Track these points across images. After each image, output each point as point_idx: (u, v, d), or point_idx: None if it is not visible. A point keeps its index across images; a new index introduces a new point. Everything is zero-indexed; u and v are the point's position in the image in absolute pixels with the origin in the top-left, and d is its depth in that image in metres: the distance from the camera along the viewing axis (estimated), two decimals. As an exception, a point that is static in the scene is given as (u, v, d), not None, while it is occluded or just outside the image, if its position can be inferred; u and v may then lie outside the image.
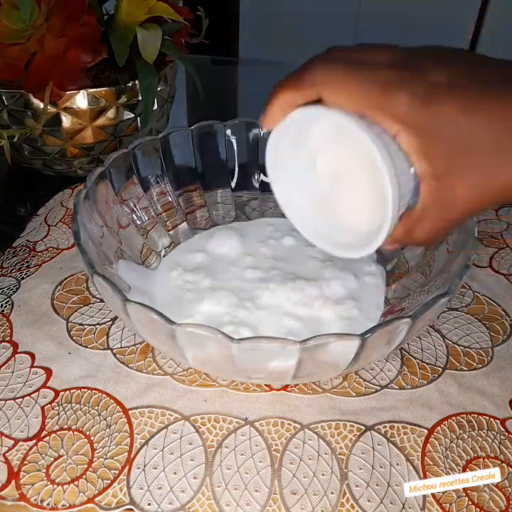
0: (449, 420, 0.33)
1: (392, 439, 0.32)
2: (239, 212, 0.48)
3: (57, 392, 0.34)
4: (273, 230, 0.46)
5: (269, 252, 0.44)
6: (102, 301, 0.40)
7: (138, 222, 0.43)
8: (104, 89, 0.49)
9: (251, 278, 0.41)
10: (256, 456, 0.31)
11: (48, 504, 0.29)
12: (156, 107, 0.54)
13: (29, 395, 0.34)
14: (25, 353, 0.36)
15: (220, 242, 0.44)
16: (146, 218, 0.43)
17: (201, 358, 0.31)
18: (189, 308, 0.38)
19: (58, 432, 0.32)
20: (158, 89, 0.53)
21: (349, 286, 0.40)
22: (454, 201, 0.25)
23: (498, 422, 0.33)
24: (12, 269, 0.43)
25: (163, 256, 0.44)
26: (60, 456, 0.31)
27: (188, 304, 0.39)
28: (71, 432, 0.32)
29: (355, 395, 0.35)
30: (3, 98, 0.48)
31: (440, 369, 0.36)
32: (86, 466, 0.30)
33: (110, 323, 0.39)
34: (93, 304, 0.40)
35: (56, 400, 0.34)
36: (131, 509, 0.29)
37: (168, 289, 0.40)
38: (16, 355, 0.36)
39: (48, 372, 0.35)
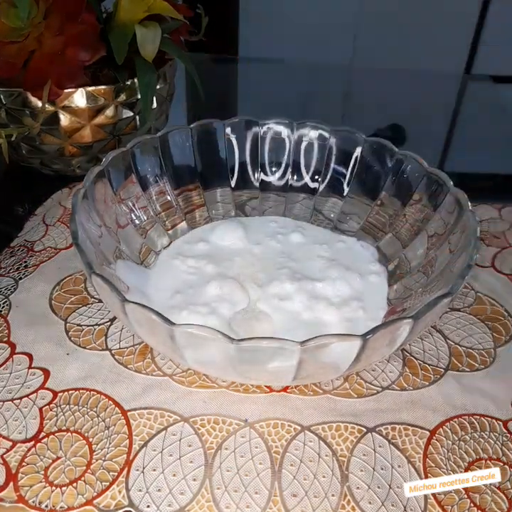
0: (451, 422, 0.33)
1: (393, 440, 0.32)
2: (239, 211, 0.48)
3: (55, 393, 0.34)
4: (277, 226, 0.46)
5: (279, 246, 0.44)
6: (100, 301, 0.40)
7: (137, 221, 0.42)
8: (102, 87, 0.49)
9: (258, 271, 0.41)
10: (256, 458, 0.31)
11: (46, 506, 0.28)
12: (155, 105, 0.54)
13: (27, 396, 0.34)
14: (23, 353, 0.36)
15: (225, 234, 0.45)
16: (145, 218, 0.43)
17: (200, 358, 0.31)
18: (197, 292, 0.39)
19: (56, 434, 0.32)
20: (158, 87, 0.52)
21: (355, 286, 0.40)
22: None
23: (501, 423, 0.33)
24: (10, 269, 0.43)
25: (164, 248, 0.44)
26: (58, 458, 0.30)
27: (194, 288, 0.39)
28: (69, 434, 0.32)
29: (356, 396, 0.34)
30: (1, 96, 0.48)
31: (442, 370, 0.36)
32: (84, 467, 0.30)
33: (109, 323, 0.39)
34: (91, 304, 0.40)
35: (54, 401, 0.33)
36: (130, 511, 0.28)
37: (170, 275, 0.41)
38: (14, 356, 0.36)
39: (46, 373, 0.35)
